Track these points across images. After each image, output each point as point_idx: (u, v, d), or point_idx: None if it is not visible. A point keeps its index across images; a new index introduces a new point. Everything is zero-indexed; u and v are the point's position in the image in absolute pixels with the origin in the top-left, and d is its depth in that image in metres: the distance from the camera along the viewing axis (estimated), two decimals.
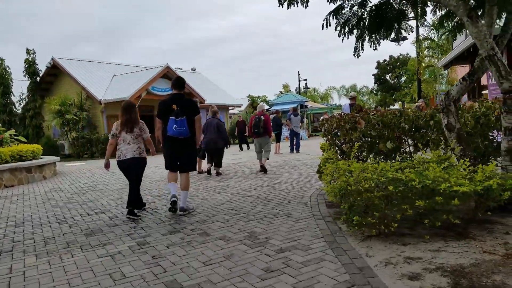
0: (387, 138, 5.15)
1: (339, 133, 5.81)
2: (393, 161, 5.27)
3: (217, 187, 7.47)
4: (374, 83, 54.22)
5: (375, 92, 52.72)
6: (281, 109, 17.57)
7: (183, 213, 5.26)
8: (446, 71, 15.95)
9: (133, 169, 5.30)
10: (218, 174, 9.12)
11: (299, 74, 38.94)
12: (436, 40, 15.26)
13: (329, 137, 5.92)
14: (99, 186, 8.81)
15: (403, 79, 50.88)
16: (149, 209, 5.85)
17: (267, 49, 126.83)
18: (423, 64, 16.41)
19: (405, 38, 16.73)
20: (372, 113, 5.41)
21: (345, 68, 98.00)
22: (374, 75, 53.54)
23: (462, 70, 22.82)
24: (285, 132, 19.42)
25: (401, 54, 51.13)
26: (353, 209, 3.83)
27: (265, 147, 9.21)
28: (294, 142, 15.17)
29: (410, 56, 48.49)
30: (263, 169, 9.10)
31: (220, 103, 25.52)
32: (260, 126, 8.99)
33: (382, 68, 52.32)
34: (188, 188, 5.38)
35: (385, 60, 52.41)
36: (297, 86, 38.68)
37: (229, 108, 28.61)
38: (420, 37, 15.94)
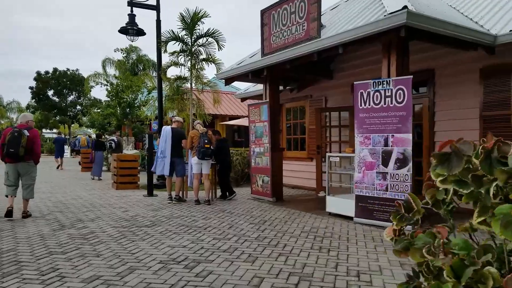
0: None
1: None
2: None
3: None
4: (32, 99, 42.49)
5: (32, 109, 41.26)
6: None
7: None
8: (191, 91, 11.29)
9: None
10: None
11: None
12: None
13: None
14: None
15: (70, 98, 42.94)
16: None
17: None
18: (171, 77, 10.99)
19: (141, 33, 11.00)
20: None
21: None
22: (31, 88, 41.88)
23: (231, 97, 13.49)
24: None
25: (68, 69, 42.94)
26: None
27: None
28: None
29: (80, 73, 41.77)
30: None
31: None
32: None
33: (44, 82, 41.70)
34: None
35: (47, 72, 42.22)
36: None
37: None
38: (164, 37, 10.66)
